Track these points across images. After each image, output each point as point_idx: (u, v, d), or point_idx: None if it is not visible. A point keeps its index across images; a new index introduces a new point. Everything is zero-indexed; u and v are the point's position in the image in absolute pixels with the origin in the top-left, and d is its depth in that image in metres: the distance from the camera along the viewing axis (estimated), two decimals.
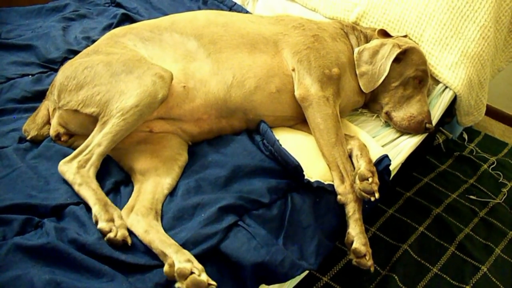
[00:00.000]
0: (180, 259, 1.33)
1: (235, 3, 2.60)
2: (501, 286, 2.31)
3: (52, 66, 2.09)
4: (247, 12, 2.57)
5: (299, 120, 1.91)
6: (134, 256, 1.38)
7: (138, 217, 1.47)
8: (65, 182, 1.55)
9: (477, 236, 2.54)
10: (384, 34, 2.11)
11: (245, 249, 1.44)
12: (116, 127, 1.57)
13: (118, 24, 2.34)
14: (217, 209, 1.49)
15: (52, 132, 1.72)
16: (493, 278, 2.34)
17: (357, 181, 1.70)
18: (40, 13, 2.48)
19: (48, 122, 1.76)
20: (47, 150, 1.68)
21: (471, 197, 2.77)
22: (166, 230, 1.46)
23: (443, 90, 2.17)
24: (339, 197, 1.72)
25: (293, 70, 1.87)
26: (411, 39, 2.18)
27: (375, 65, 1.98)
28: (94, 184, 1.53)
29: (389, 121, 2.05)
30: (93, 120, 1.64)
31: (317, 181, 1.70)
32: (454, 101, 2.23)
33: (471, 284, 2.29)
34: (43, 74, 2.05)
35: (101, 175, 1.59)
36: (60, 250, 1.33)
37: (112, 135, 1.57)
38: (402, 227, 2.52)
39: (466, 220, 2.63)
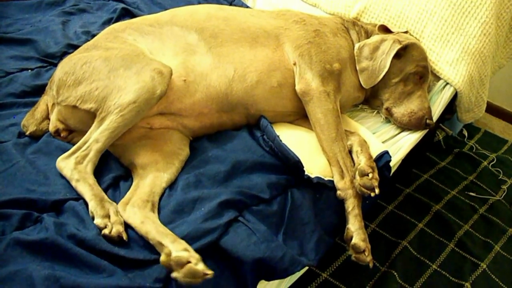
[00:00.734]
0: (176, 248, 1.33)
1: None
2: (501, 283, 2.32)
3: (51, 60, 2.09)
4: (247, 7, 2.56)
5: (299, 116, 1.91)
6: (134, 251, 1.38)
7: (134, 208, 1.46)
8: (64, 177, 1.55)
9: (477, 233, 2.55)
10: (385, 29, 2.11)
11: (245, 244, 1.43)
12: (114, 123, 1.57)
13: (118, 19, 2.34)
14: (217, 204, 1.48)
15: (51, 128, 1.71)
16: (492, 275, 2.34)
17: (357, 177, 1.70)
18: (39, 7, 2.47)
19: (47, 117, 1.75)
20: (46, 145, 1.67)
21: (471, 194, 2.77)
22: (166, 224, 1.45)
23: (444, 86, 2.17)
24: (338, 192, 1.71)
25: (294, 64, 1.87)
26: (411, 35, 2.17)
27: (375, 60, 1.97)
28: (91, 180, 1.52)
29: (389, 117, 2.05)
30: (92, 116, 1.63)
31: (317, 177, 1.70)
32: (454, 98, 2.23)
33: (471, 281, 2.29)
34: (43, 69, 2.05)
35: (101, 171, 1.59)
36: (59, 245, 1.32)
37: (110, 132, 1.57)
38: (402, 223, 2.52)
39: (465, 217, 2.63)
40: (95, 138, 1.57)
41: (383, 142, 1.92)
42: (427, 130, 2.04)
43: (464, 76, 2.14)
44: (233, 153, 1.68)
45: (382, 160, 1.78)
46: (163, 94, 1.63)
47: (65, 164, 1.55)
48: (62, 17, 2.37)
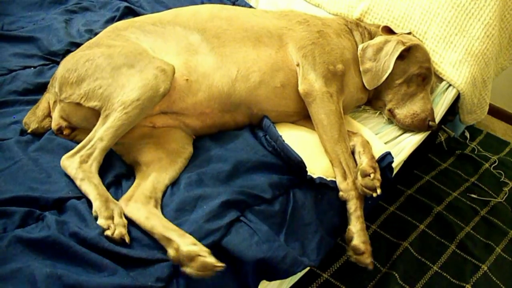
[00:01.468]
0: (185, 242, 1.33)
1: None
2: (501, 285, 2.31)
3: (54, 58, 2.08)
4: (250, 7, 2.56)
5: (302, 116, 1.90)
6: (136, 250, 1.38)
7: (138, 204, 1.46)
8: (67, 175, 1.54)
9: (478, 235, 2.54)
10: (388, 31, 2.10)
11: (247, 244, 1.43)
12: (118, 121, 1.57)
13: (121, 17, 2.34)
14: (219, 204, 1.48)
15: (53, 126, 1.71)
16: (493, 277, 2.33)
17: (359, 177, 1.70)
18: (42, 5, 2.47)
19: (48, 115, 1.75)
20: (48, 143, 1.67)
21: (472, 195, 2.77)
22: None
23: (447, 88, 2.17)
24: (341, 193, 1.71)
25: (298, 65, 1.87)
26: (415, 36, 2.17)
27: (379, 62, 1.97)
28: (96, 179, 1.52)
29: (392, 118, 2.05)
30: (95, 113, 1.63)
31: (320, 178, 1.70)
32: (457, 99, 2.23)
33: (471, 283, 2.29)
34: (45, 67, 2.04)
35: (103, 168, 1.58)
36: (61, 243, 1.32)
37: (114, 130, 1.56)
38: (403, 224, 2.52)
39: (467, 218, 2.62)
40: (100, 136, 1.56)
41: (385, 143, 1.92)
42: (430, 131, 2.04)
43: (467, 77, 2.13)
44: (235, 152, 1.68)
45: (385, 161, 1.78)
46: (166, 92, 1.63)
47: (70, 163, 1.54)
48: (65, 15, 2.37)
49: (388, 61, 1.95)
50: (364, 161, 1.73)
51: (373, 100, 2.08)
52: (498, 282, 2.32)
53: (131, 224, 1.45)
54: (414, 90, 2.00)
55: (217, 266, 1.31)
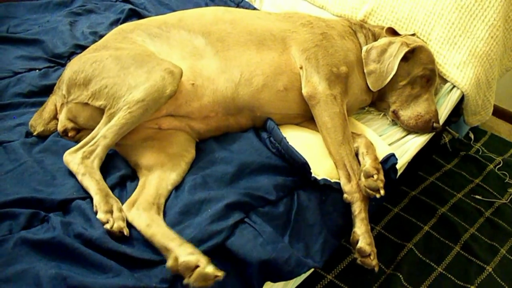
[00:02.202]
0: (184, 252, 1.32)
1: (243, 0, 2.59)
2: (506, 287, 2.30)
3: (59, 61, 2.10)
4: (254, 9, 2.56)
5: (306, 118, 1.91)
6: (140, 251, 1.38)
7: (139, 211, 1.47)
8: (72, 176, 1.55)
9: (482, 236, 2.53)
10: (392, 32, 2.10)
11: (251, 246, 1.43)
12: (122, 120, 1.58)
13: (125, 20, 2.35)
14: (224, 206, 1.49)
15: (60, 127, 1.72)
16: (498, 279, 2.33)
17: (362, 178, 1.70)
18: (47, 7, 2.48)
19: (55, 118, 1.76)
20: (53, 145, 1.68)
21: (477, 197, 2.76)
22: (172, 225, 1.46)
23: (451, 89, 2.16)
24: (345, 195, 1.71)
25: (301, 68, 1.87)
26: (419, 38, 2.17)
27: (383, 63, 1.97)
28: (97, 175, 1.54)
29: (396, 120, 2.05)
30: (102, 113, 1.64)
31: (324, 179, 1.70)
32: (461, 101, 2.22)
33: (476, 284, 2.28)
34: (50, 69, 2.06)
35: (108, 170, 1.59)
36: (66, 244, 1.33)
37: (118, 128, 1.58)
38: (407, 226, 2.51)
39: (471, 220, 2.61)
40: (103, 134, 1.58)
41: (389, 145, 1.92)
42: (434, 133, 2.04)
43: (471, 79, 2.13)
44: (239, 154, 1.68)
45: (389, 162, 1.77)
46: (172, 94, 1.64)
47: (72, 158, 1.56)
48: (70, 18, 2.38)
49: (392, 62, 1.95)
50: (367, 162, 1.73)
51: (377, 101, 2.08)
52: (502, 283, 2.31)
53: (134, 228, 1.45)
54: (418, 91, 2.00)
55: (217, 276, 1.30)
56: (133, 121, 1.59)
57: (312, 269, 1.69)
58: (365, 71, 1.98)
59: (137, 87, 1.60)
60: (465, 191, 2.79)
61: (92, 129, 1.65)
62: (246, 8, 2.51)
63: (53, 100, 1.78)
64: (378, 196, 1.66)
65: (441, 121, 2.10)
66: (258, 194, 1.57)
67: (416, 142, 1.99)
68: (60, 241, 1.33)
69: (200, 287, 1.30)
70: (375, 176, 1.68)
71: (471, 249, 2.44)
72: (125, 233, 1.40)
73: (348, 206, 1.72)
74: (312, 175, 1.67)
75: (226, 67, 1.79)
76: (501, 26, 2.14)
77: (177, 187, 1.60)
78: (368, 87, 1.99)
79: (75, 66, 1.71)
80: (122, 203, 1.51)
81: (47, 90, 1.88)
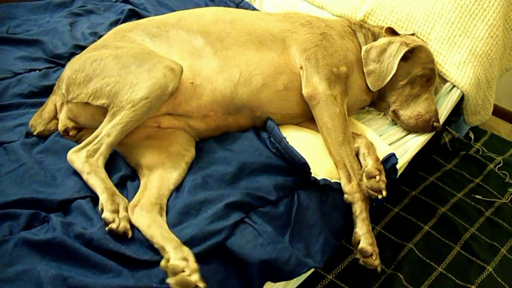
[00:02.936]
0: (176, 256, 1.33)
1: (242, 0, 2.59)
2: (506, 286, 2.30)
3: (59, 61, 2.10)
4: (254, 9, 2.56)
5: (306, 118, 1.91)
6: (140, 252, 1.38)
7: (142, 212, 1.47)
8: (72, 176, 1.56)
9: (483, 236, 2.53)
10: (392, 32, 2.10)
11: (252, 246, 1.44)
12: (126, 118, 1.58)
13: (125, 20, 2.34)
14: (224, 206, 1.49)
15: (60, 127, 1.72)
16: (498, 278, 2.33)
17: (364, 179, 1.69)
18: (47, 8, 2.48)
19: (55, 117, 1.76)
20: (53, 145, 1.68)
21: (477, 196, 2.76)
22: (173, 225, 1.46)
23: (451, 89, 2.16)
24: (346, 196, 1.71)
25: (301, 68, 1.87)
26: (419, 38, 2.17)
27: (382, 63, 1.97)
28: (103, 173, 1.54)
29: (396, 120, 2.05)
30: (103, 112, 1.64)
31: (324, 179, 1.70)
32: (461, 100, 2.22)
33: (476, 284, 2.28)
34: (50, 69, 2.05)
35: (108, 170, 1.59)
36: (66, 245, 1.33)
37: (122, 126, 1.58)
38: (408, 226, 2.51)
39: (471, 219, 2.62)
40: (107, 132, 1.58)
41: (389, 145, 1.92)
42: (434, 132, 2.04)
43: (471, 78, 2.13)
44: (240, 154, 1.68)
45: (389, 162, 1.77)
46: (174, 91, 1.64)
47: (77, 157, 1.56)
48: (70, 18, 2.38)
49: (391, 62, 1.96)
50: (369, 163, 1.73)
51: (377, 101, 2.08)
52: (503, 283, 2.31)
53: (136, 228, 1.46)
54: (418, 91, 2.00)
55: (197, 286, 1.30)
56: (137, 118, 1.60)
57: (313, 269, 1.69)
58: (364, 71, 1.98)
59: (140, 85, 1.61)
60: (465, 190, 2.79)
61: (93, 128, 1.65)
62: (246, 8, 2.51)
63: (53, 100, 1.78)
64: (380, 197, 1.66)
65: (441, 121, 2.10)
66: (258, 194, 1.57)
67: (416, 142, 1.99)
68: (60, 242, 1.33)
69: None
70: (377, 177, 1.68)
71: (471, 249, 2.44)
72: (129, 235, 1.41)
73: (348, 206, 1.72)
74: (312, 175, 1.67)
75: (225, 67, 1.79)
76: (501, 26, 2.14)
77: (177, 187, 1.60)
78: (368, 87, 1.99)
79: (75, 66, 1.72)
80: None
81: (47, 91, 1.88)
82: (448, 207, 2.65)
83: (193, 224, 1.45)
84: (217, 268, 1.39)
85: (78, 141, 1.69)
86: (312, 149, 1.78)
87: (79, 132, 1.73)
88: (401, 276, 2.24)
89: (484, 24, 2.13)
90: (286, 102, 1.85)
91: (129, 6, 2.47)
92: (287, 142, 1.70)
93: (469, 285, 2.27)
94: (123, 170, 1.63)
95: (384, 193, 1.66)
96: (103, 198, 1.46)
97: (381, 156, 1.79)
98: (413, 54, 2.00)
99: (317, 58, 1.87)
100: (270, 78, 1.82)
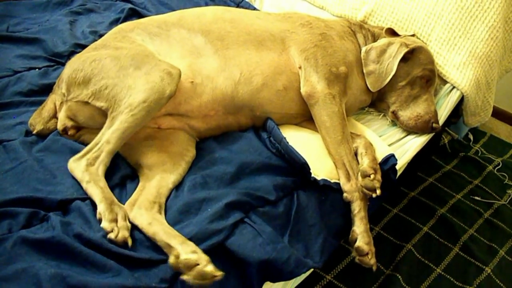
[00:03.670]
0: (185, 250, 1.33)
1: (243, 0, 2.59)
2: None
3: (59, 60, 2.09)
4: (254, 8, 2.56)
5: (305, 118, 1.91)
6: (140, 251, 1.38)
7: (141, 210, 1.47)
8: (71, 176, 1.55)
9: (481, 237, 2.54)
10: (392, 33, 2.11)
11: (251, 246, 1.43)
12: (125, 123, 1.57)
13: (125, 19, 2.34)
14: (224, 206, 1.49)
15: (59, 126, 1.71)
16: (496, 280, 2.33)
17: (359, 178, 1.70)
18: (47, 6, 2.48)
19: (54, 116, 1.76)
20: (53, 143, 1.67)
21: (476, 198, 2.76)
22: (172, 224, 1.45)
23: (450, 90, 2.17)
24: (345, 195, 1.72)
25: (300, 68, 1.87)
26: (419, 39, 2.17)
27: (382, 64, 1.97)
28: (102, 182, 1.53)
29: (395, 121, 2.05)
30: (102, 111, 1.64)
31: (323, 179, 1.70)
32: (460, 101, 2.22)
33: (475, 285, 2.29)
34: (50, 68, 2.05)
35: (109, 170, 1.58)
36: (65, 244, 1.33)
37: (121, 132, 1.57)
38: (406, 226, 2.52)
39: (470, 221, 2.62)
40: (106, 139, 1.57)
41: (389, 145, 1.92)
42: (433, 133, 2.04)
43: (471, 80, 2.13)
44: (239, 154, 1.68)
45: (388, 163, 1.78)
46: (172, 95, 1.64)
47: (77, 165, 1.55)
48: (70, 17, 2.38)
49: (391, 63, 1.96)
50: (365, 162, 1.74)
51: (377, 102, 2.09)
52: (501, 284, 2.32)
53: (135, 228, 1.45)
54: (418, 92, 2.00)
55: (215, 276, 1.31)
56: (136, 124, 1.58)
57: (312, 269, 1.69)
58: (364, 71, 1.99)
59: (137, 88, 1.60)
60: (464, 192, 2.80)
61: (92, 128, 1.65)
62: (246, 8, 2.51)
63: (53, 99, 1.77)
64: (374, 195, 1.67)
65: (441, 122, 2.10)
66: (258, 194, 1.57)
67: (416, 143, 1.99)
68: (59, 241, 1.33)
69: (198, 285, 1.30)
70: (372, 176, 1.69)
71: (470, 250, 2.44)
72: (129, 244, 1.39)
73: (347, 206, 1.72)
74: (312, 175, 1.67)
75: (225, 66, 1.79)
76: (501, 28, 2.15)
77: (177, 187, 1.60)
78: (367, 87, 1.99)
79: (74, 65, 1.71)
80: (122, 203, 1.51)
81: (47, 89, 1.87)
82: (447, 208, 2.66)
83: (193, 223, 1.45)
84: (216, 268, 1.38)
85: (77, 140, 1.69)
86: (312, 149, 1.78)
87: (78, 131, 1.72)
88: (399, 277, 2.24)
89: (485, 25, 2.13)
90: (286, 102, 1.85)
91: (129, 5, 2.47)
92: (287, 142, 1.70)
93: (468, 286, 2.28)
94: (123, 170, 1.63)
95: (378, 192, 1.66)
96: (101, 208, 1.44)
97: (381, 157, 1.79)
98: (413, 55, 2.00)
99: (316, 58, 1.87)
100: (270, 78, 1.82)
